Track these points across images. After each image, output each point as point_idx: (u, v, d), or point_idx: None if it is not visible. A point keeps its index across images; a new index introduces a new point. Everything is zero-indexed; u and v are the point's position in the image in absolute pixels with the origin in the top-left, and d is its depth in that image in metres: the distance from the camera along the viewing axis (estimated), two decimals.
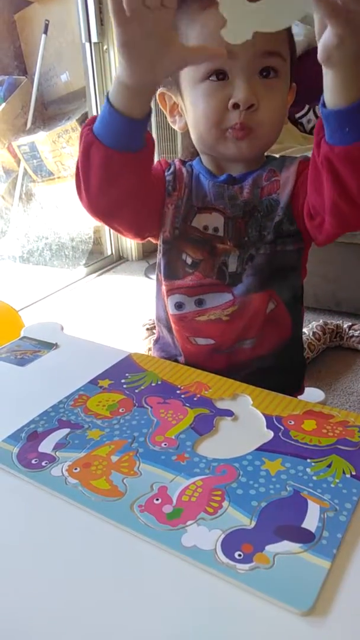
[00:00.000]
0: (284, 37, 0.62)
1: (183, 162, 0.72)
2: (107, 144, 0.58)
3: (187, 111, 0.66)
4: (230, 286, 0.68)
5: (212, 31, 0.58)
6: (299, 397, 0.77)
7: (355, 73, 0.48)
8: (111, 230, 2.47)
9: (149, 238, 0.73)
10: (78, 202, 0.66)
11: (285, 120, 0.67)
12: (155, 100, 0.69)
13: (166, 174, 0.71)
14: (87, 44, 2.08)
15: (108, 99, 0.56)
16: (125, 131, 0.57)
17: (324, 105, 0.51)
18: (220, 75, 0.61)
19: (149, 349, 1.44)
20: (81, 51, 2.13)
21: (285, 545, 0.38)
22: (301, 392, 0.78)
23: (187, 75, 0.64)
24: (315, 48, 0.49)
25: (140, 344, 1.58)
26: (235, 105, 0.60)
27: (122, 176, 0.60)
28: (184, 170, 0.71)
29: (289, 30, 0.63)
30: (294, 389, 0.77)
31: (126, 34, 0.49)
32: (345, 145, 0.51)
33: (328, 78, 0.49)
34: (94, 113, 2.19)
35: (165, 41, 0.51)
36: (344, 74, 0.48)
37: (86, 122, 0.60)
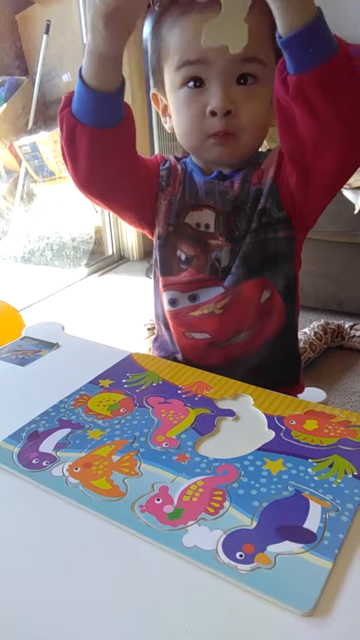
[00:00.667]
0: (264, 41, 0.61)
1: (178, 159, 0.73)
2: (90, 124, 0.58)
3: (172, 115, 0.67)
4: (222, 280, 0.69)
5: (189, 36, 0.59)
6: (300, 395, 0.77)
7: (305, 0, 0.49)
8: (112, 230, 2.48)
9: (145, 232, 0.73)
10: (79, 201, 0.67)
11: (273, 122, 0.67)
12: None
13: (161, 168, 0.72)
14: None
15: (82, 80, 0.56)
16: (107, 106, 0.58)
17: (280, 37, 0.51)
18: (197, 82, 0.61)
19: (150, 349, 1.44)
20: (83, 51, 2.13)
21: (287, 546, 0.38)
22: (300, 388, 0.78)
23: (168, 81, 0.65)
24: None
25: (142, 344, 1.58)
26: (213, 113, 0.61)
27: (110, 153, 0.61)
28: (178, 167, 0.71)
29: (273, 33, 0.63)
30: (292, 383, 0.77)
31: (113, 5, 0.50)
32: (312, 69, 0.51)
33: (281, 7, 0.49)
34: None
35: None
36: (295, 3, 0.48)
37: (62, 105, 0.60)
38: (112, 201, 0.69)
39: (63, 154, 0.62)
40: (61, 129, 0.60)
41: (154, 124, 2.18)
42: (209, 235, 0.68)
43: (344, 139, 0.55)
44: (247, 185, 0.67)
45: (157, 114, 0.73)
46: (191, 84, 0.61)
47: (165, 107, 0.69)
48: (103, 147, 0.60)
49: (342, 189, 1.56)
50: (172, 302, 0.72)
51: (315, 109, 0.53)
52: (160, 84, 0.67)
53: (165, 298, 0.72)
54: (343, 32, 0.53)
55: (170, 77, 0.64)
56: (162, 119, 0.71)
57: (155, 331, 0.81)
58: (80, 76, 0.57)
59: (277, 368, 0.73)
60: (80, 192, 0.65)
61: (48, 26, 2.28)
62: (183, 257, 0.70)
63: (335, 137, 0.54)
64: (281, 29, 0.50)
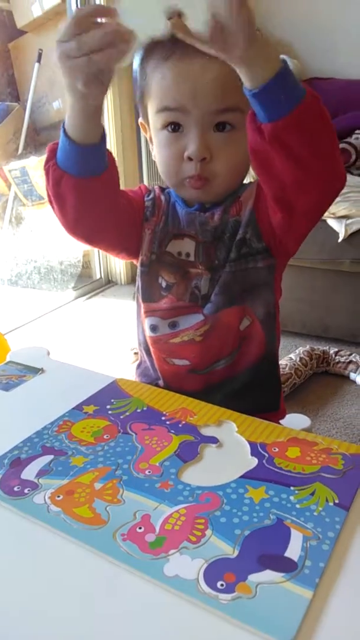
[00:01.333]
0: (240, 89, 0.60)
1: (162, 189, 0.75)
2: (76, 174, 0.60)
3: (154, 151, 0.69)
4: (201, 307, 0.70)
5: (169, 83, 0.61)
6: (284, 422, 0.77)
7: (268, 52, 0.50)
8: (100, 254, 2.50)
9: (133, 261, 0.75)
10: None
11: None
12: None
13: (146, 199, 0.73)
14: None
15: (66, 134, 0.58)
16: (91, 157, 0.60)
17: (249, 90, 0.52)
18: (175, 127, 0.63)
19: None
20: None
21: (268, 575, 0.38)
22: (282, 413, 0.79)
23: (150, 119, 0.67)
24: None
25: (129, 368, 1.58)
26: (190, 158, 0.63)
27: (95, 199, 0.63)
28: (162, 197, 0.73)
29: None
30: (273, 408, 0.77)
31: (93, 68, 0.51)
32: (286, 114, 0.51)
33: (245, 70, 0.50)
34: None
35: None
36: (259, 59, 0.49)
37: (47, 157, 0.62)
38: (100, 241, 0.71)
39: (50, 202, 0.64)
40: (47, 180, 0.62)
41: (142, 152, 2.22)
42: (189, 264, 0.70)
43: (323, 173, 0.57)
44: (226, 217, 0.69)
45: (146, 141, 0.75)
46: (170, 128, 0.63)
47: (151, 137, 0.71)
48: (89, 195, 0.62)
49: (327, 218, 1.59)
50: (153, 328, 0.73)
51: (293, 151, 0.54)
52: (145, 115, 0.69)
53: (146, 324, 0.73)
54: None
55: (152, 116, 0.66)
56: (150, 146, 0.74)
57: (139, 357, 0.82)
58: (64, 130, 0.59)
59: (257, 394, 0.74)
60: (69, 235, 0.67)
61: (40, 55, 2.33)
62: (164, 284, 0.71)
63: (315, 173, 0.56)
64: (249, 83, 0.51)
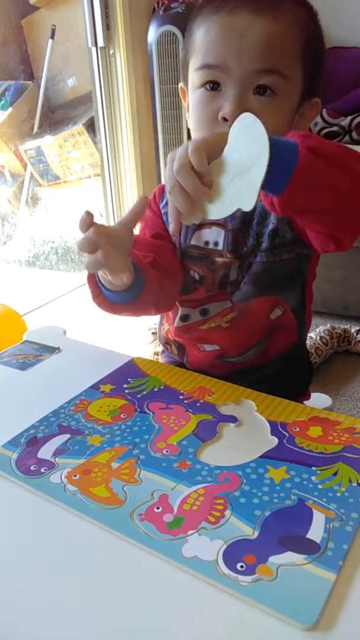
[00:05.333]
0: (289, 55, 0.58)
1: None
2: (111, 301, 0.61)
3: (189, 114, 0.66)
4: (230, 294, 0.68)
5: (213, 38, 0.58)
6: (305, 402, 0.75)
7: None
8: None
9: None
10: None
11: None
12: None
13: (161, 206, 0.71)
14: (94, 49, 2.08)
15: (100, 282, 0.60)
16: (123, 295, 0.60)
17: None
18: (214, 85, 0.60)
19: (155, 353, 1.44)
20: (87, 56, 2.14)
21: (289, 557, 0.37)
22: (307, 397, 0.77)
23: (190, 78, 0.64)
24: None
25: (146, 348, 1.57)
26: (225, 119, 0.59)
27: (136, 309, 0.64)
28: None
29: (300, 48, 0.59)
30: (300, 395, 0.75)
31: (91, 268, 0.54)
32: (284, 189, 0.47)
33: None
34: (100, 117, 2.19)
35: None
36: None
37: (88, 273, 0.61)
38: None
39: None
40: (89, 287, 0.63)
41: (159, 132, 2.18)
42: (217, 253, 0.68)
43: (351, 218, 0.52)
44: None
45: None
46: (208, 86, 0.60)
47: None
48: (126, 311, 0.64)
49: None
50: (184, 317, 0.71)
51: (314, 209, 0.50)
52: (186, 77, 0.66)
53: (176, 315, 0.71)
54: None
55: (191, 75, 0.63)
56: (187, 115, 0.70)
57: (161, 347, 0.81)
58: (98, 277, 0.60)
59: (287, 381, 0.72)
60: None
61: (53, 31, 2.29)
62: (197, 276, 0.69)
63: (344, 220, 0.52)
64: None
